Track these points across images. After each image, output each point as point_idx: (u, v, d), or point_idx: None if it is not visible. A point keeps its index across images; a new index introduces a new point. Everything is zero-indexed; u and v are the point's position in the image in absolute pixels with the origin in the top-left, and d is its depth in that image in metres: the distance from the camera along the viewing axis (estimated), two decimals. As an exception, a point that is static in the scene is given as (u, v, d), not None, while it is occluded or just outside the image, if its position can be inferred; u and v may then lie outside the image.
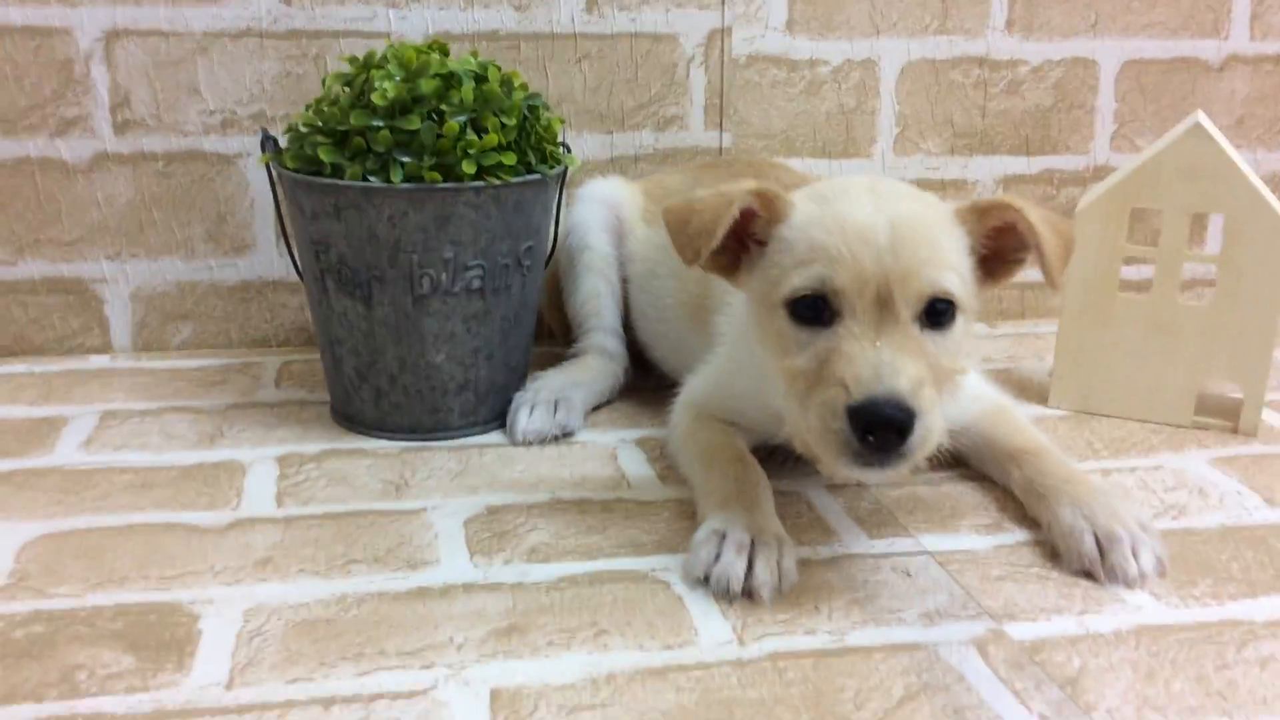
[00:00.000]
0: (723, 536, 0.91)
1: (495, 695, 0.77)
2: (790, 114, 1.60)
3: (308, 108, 1.17)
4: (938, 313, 0.89)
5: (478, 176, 1.12)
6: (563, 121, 1.24)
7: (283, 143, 1.21)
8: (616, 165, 1.55)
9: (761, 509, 0.96)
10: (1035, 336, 1.61)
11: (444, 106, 1.11)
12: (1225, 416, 1.28)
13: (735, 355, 1.10)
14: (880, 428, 0.81)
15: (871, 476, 0.86)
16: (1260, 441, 1.23)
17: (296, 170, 1.14)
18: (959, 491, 1.10)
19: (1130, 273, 1.54)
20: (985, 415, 1.11)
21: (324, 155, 1.11)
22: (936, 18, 1.60)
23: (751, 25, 1.56)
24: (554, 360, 1.33)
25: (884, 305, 0.86)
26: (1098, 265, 1.28)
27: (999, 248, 0.95)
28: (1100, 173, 1.69)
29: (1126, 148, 1.69)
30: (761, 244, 0.94)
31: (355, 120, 1.10)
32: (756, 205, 0.92)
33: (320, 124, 1.14)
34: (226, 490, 1.08)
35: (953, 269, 0.89)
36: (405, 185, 1.09)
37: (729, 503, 0.96)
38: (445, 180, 1.11)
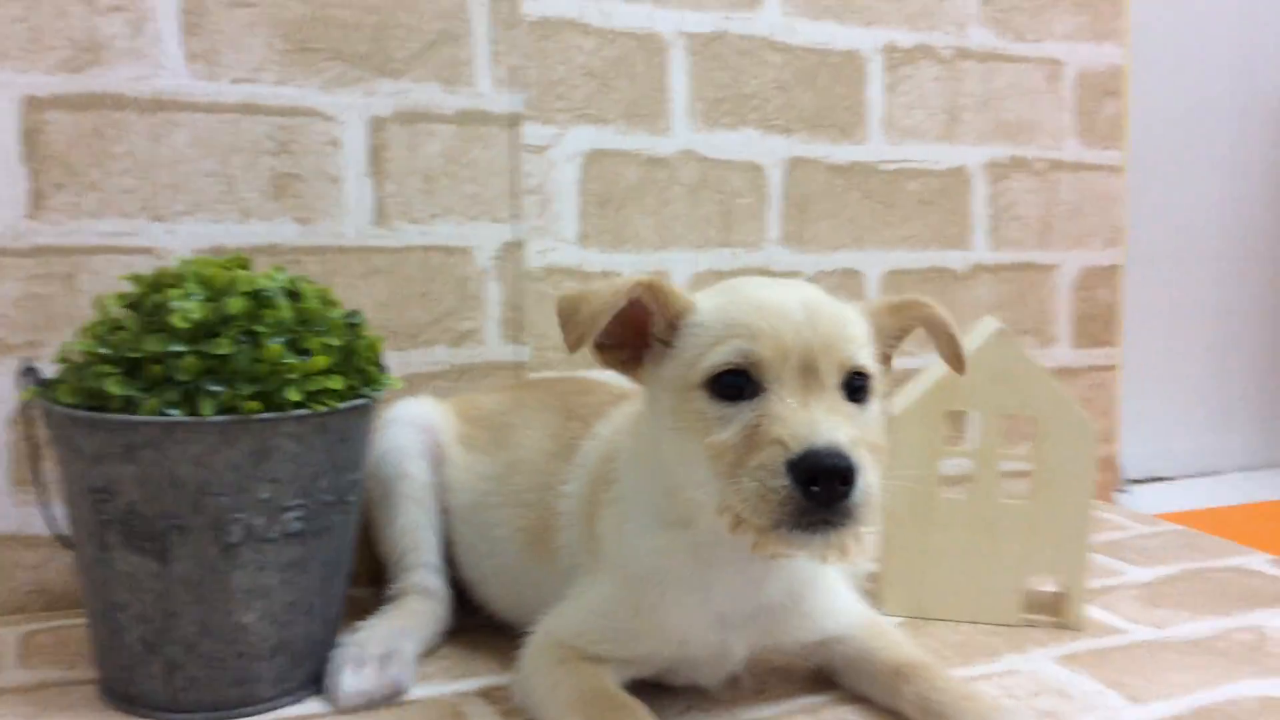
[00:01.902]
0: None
1: None
2: (586, 326, 1.55)
3: (84, 333, 1.01)
4: (855, 388, 0.89)
5: (299, 405, 0.99)
6: (384, 339, 1.14)
7: (48, 375, 1.03)
8: (412, 384, 1.44)
9: (669, 763, 0.85)
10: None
11: (258, 328, 0.98)
12: (1050, 612, 1.30)
13: (625, 557, 0.99)
14: (824, 476, 0.79)
15: (814, 544, 0.81)
16: (1089, 635, 1.25)
17: (74, 406, 0.97)
18: (839, 715, 1.04)
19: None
20: (863, 627, 1.07)
21: (113, 388, 0.94)
22: (719, 231, 1.64)
23: (544, 238, 1.52)
24: (351, 606, 1.16)
25: (808, 374, 0.86)
26: (918, 469, 1.29)
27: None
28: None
29: (896, 351, 1.77)
30: (665, 343, 0.92)
31: (150, 346, 0.95)
32: (644, 296, 0.91)
33: (105, 351, 0.97)
34: (-14, 813, 0.85)
35: (864, 347, 0.92)
36: (217, 418, 0.95)
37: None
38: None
